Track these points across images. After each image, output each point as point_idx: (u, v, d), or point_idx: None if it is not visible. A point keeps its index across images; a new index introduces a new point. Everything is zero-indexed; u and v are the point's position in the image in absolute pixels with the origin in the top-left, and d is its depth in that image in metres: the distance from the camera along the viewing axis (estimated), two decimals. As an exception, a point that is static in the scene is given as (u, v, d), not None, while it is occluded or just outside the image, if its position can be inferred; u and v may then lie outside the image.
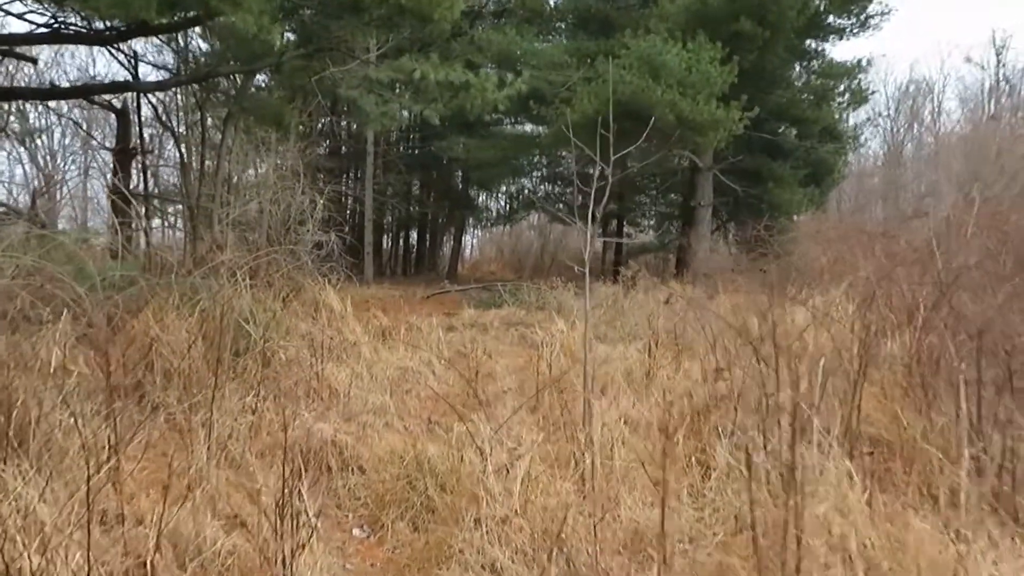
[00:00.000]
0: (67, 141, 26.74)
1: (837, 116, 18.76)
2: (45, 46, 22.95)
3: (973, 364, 3.65)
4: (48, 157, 26.55)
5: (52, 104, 22.13)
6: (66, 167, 27.80)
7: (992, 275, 5.12)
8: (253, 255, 6.34)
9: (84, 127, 24.48)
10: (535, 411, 5.21)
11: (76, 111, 23.48)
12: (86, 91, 10.82)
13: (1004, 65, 30.45)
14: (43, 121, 23.99)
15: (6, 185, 23.15)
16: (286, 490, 3.01)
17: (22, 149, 23.61)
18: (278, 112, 9.96)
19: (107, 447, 3.13)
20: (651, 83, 12.19)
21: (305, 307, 6.87)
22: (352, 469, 3.69)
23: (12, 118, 20.22)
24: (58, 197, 27.40)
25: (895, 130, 33.87)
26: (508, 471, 2.81)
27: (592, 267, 4.08)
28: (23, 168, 24.74)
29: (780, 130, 17.87)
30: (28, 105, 18.58)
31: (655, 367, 5.74)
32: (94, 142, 21.71)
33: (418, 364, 6.40)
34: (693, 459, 3.65)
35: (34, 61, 10.32)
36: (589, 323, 3.99)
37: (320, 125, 20.03)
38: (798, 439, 2.46)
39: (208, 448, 3.48)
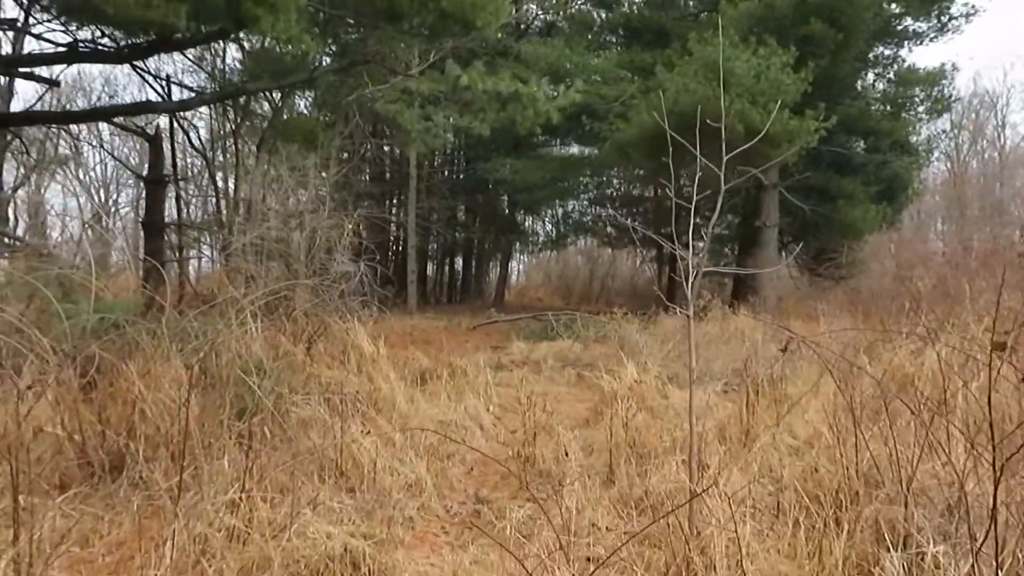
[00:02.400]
0: (118, 173, 26.84)
1: (912, 127, 17.36)
2: (96, 75, 23.03)
3: None
4: (101, 189, 26.68)
5: (105, 136, 22.12)
6: (117, 198, 27.89)
7: None
8: (269, 289, 5.42)
9: (135, 158, 24.53)
10: (609, 485, 4.15)
11: (131, 141, 23.56)
12: (104, 114, 10.22)
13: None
14: (97, 154, 24.08)
15: (56, 216, 23.20)
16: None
17: (76, 182, 23.66)
18: (310, 130, 9.16)
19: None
20: (718, 91, 11.08)
21: (332, 349, 5.92)
22: (371, 591, 2.68)
23: (64, 149, 20.18)
24: (112, 227, 27.45)
25: (957, 145, 31.90)
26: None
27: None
28: (77, 200, 24.80)
29: (849, 144, 16.54)
30: (81, 136, 18.45)
31: (754, 423, 4.64)
32: (130, 172, 21.60)
33: (463, 417, 5.39)
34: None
35: (56, 84, 9.80)
36: (694, 403, 2.91)
37: (363, 151, 19.44)
38: None
39: (168, 568, 2.50)
